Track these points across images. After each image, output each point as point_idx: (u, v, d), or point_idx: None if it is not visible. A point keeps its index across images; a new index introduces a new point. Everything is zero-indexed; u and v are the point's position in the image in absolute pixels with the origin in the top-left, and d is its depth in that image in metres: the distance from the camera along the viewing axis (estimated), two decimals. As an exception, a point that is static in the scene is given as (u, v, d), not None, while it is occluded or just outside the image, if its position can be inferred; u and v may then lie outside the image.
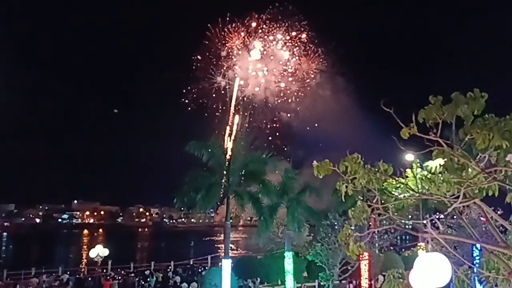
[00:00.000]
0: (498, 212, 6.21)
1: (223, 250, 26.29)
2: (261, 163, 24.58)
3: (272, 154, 25.25)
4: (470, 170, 4.83)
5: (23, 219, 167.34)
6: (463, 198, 4.88)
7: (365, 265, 23.04)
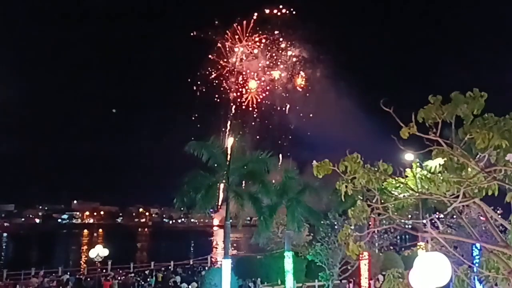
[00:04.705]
0: (498, 211, 6.21)
1: (223, 250, 26.27)
2: (261, 163, 24.56)
3: (272, 154, 25.24)
4: (469, 169, 4.83)
5: (23, 219, 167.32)
6: (462, 198, 4.88)
7: (365, 264, 23.04)
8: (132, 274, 35.07)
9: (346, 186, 5.16)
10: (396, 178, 5.34)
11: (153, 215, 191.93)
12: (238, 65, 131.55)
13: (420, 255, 4.90)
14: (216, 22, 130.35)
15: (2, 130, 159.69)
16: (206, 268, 36.70)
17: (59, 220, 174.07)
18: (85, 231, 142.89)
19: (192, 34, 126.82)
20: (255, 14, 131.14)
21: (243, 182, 25.64)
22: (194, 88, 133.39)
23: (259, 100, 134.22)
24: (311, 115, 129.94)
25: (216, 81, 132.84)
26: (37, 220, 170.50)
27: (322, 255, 26.78)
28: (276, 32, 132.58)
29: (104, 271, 34.46)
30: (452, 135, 4.91)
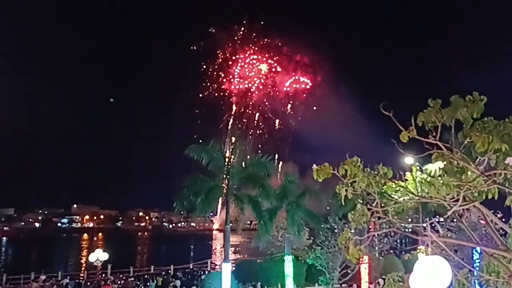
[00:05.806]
0: (498, 215, 6.20)
1: (222, 254, 26.22)
2: (261, 167, 24.55)
3: (272, 157, 25.25)
4: (469, 173, 4.83)
5: (22, 223, 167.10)
6: (462, 201, 4.88)
7: (365, 268, 23.02)
8: (132, 278, 35.02)
9: (346, 190, 5.16)
10: (396, 182, 5.33)
11: (153, 219, 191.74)
12: (239, 70, 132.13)
13: (420, 259, 4.90)
14: (213, 31, 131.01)
15: (1, 135, 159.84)
16: (206, 272, 36.66)
17: (59, 224, 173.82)
18: (85, 235, 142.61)
19: (192, 48, 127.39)
20: (256, 19, 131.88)
21: (243, 185, 25.63)
22: (195, 93, 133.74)
23: (260, 105, 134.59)
24: (311, 119, 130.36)
25: (217, 86, 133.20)
26: (37, 224, 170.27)
27: (322, 259, 26.72)
28: (277, 38, 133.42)
29: (103, 275, 34.38)
30: (452, 138, 4.91)
